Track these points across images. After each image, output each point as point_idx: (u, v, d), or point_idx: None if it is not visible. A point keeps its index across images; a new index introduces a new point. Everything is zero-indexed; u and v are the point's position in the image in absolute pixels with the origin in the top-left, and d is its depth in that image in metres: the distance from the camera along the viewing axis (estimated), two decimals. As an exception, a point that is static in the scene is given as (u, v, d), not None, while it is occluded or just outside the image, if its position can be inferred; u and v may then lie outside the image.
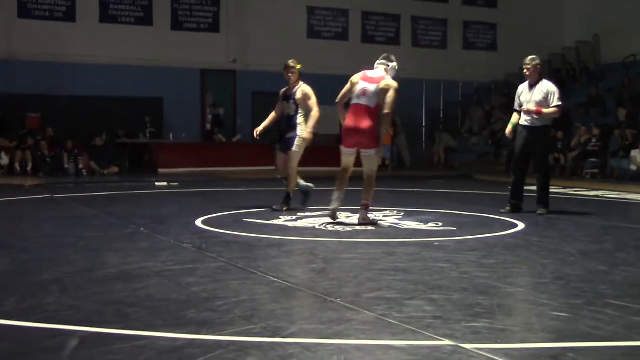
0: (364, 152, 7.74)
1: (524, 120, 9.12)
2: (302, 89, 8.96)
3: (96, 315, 4.07)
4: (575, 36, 24.08)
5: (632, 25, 22.20)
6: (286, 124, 9.08)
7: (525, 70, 9.18)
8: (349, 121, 7.80)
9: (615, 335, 3.71)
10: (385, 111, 7.65)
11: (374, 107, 7.70)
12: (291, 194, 9.02)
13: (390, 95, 7.64)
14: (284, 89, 9.19)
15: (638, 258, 6.05)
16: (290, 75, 8.97)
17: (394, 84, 7.79)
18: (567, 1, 25.45)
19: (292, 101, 8.91)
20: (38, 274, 5.21)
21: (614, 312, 4.13)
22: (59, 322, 3.88)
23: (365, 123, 7.67)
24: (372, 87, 7.77)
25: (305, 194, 9.12)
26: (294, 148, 8.86)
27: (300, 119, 8.92)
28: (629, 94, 19.60)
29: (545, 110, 8.95)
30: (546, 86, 9.00)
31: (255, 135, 9.31)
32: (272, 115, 9.29)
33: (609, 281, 5.04)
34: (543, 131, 9.07)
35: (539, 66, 9.14)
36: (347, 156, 7.91)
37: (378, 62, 8.05)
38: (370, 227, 7.72)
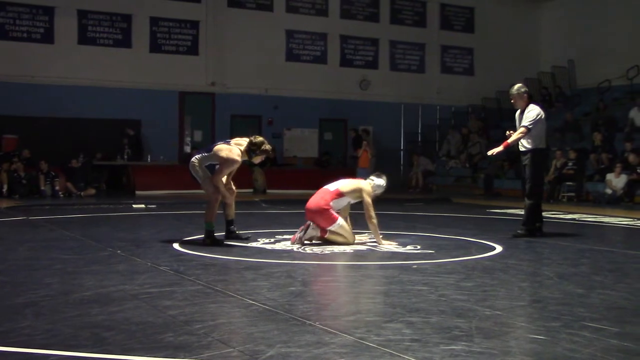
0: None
1: (520, 145, 9.31)
2: None
3: (72, 339, 4.02)
4: (550, 61, 24.42)
5: (607, 51, 22.58)
6: None
7: (511, 99, 9.35)
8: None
9: (593, 358, 3.73)
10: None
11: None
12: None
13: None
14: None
15: (614, 281, 6.09)
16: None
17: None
18: (543, 27, 25.83)
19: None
20: (13, 297, 5.14)
21: (591, 335, 4.15)
22: (34, 346, 3.83)
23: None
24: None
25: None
26: None
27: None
28: (604, 119, 19.84)
29: (509, 140, 9.18)
30: (528, 110, 9.14)
31: None
32: None
33: (586, 304, 5.07)
34: (532, 155, 9.18)
35: (525, 94, 9.28)
36: None
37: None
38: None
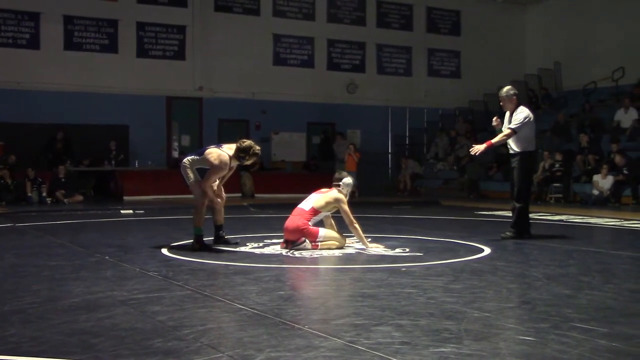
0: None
1: (509, 148, 9.35)
2: None
3: (60, 346, 3.99)
4: (537, 63, 24.54)
5: (592, 53, 22.71)
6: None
7: (500, 102, 9.40)
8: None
9: (581, 358, 3.73)
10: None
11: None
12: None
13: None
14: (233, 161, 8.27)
15: (602, 281, 6.11)
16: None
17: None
18: (529, 29, 25.97)
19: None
20: (0, 305, 5.10)
21: (580, 336, 4.17)
22: (22, 354, 3.80)
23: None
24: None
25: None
26: None
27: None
28: (590, 120, 19.94)
29: (493, 140, 9.24)
30: (517, 113, 9.17)
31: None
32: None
33: (575, 305, 5.09)
34: (520, 158, 9.21)
35: (514, 97, 9.29)
36: None
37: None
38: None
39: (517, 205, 9.28)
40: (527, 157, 9.29)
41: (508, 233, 9.25)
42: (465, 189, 20.08)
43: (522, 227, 9.31)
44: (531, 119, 9.19)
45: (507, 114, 9.31)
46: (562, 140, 19.75)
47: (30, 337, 4.17)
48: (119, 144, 19.40)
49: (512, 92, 9.33)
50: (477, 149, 9.26)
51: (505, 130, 9.13)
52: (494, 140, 9.24)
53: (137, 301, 5.19)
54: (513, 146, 9.21)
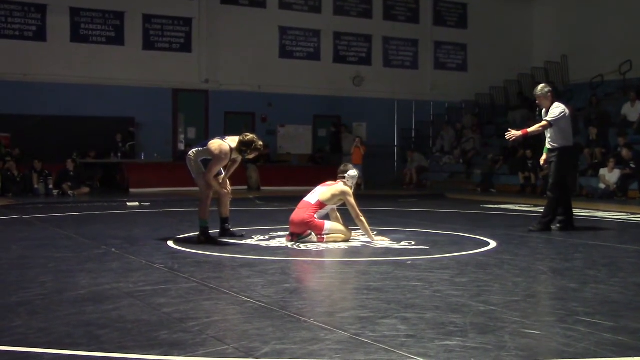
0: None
1: (547, 143, 9.48)
2: None
3: (66, 337, 4.01)
4: (544, 57, 24.44)
5: (600, 46, 22.60)
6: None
7: (536, 100, 9.61)
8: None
9: (587, 352, 3.73)
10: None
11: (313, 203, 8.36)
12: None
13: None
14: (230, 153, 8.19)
15: (608, 275, 6.11)
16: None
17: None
18: (536, 22, 25.86)
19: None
20: (6, 296, 5.12)
21: (585, 329, 4.16)
22: (28, 345, 3.82)
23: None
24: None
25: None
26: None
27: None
28: (597, 114, 19.88)
29: (530, 129, 9.43)
30: (553, 108, 9.33)
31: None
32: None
33: (580, 298, 5.08)
34: (558, 153, 9.32)
35: (549, 94, 9.44)
36: None
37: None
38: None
39: (550, 195, 9.42)
40: (565, 152, 9.40)
41: (532, 228, 9.34)
42: (478, 185, 19.86)
43: (552, 219, 9.42)
44: (567, 114, 9.35)
45: (544, 112, 9.49)
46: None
47: (36, 329, 4.19)
48: (125, 137, 19.43)
49: (546, 89, 9.51)
50: (513, 134, 9.35)
51: (542, 122, 9.25)
52: (529, 130, 9.47)
53: (143, 293, 5.20)
54: (552, 142, 9.36)
